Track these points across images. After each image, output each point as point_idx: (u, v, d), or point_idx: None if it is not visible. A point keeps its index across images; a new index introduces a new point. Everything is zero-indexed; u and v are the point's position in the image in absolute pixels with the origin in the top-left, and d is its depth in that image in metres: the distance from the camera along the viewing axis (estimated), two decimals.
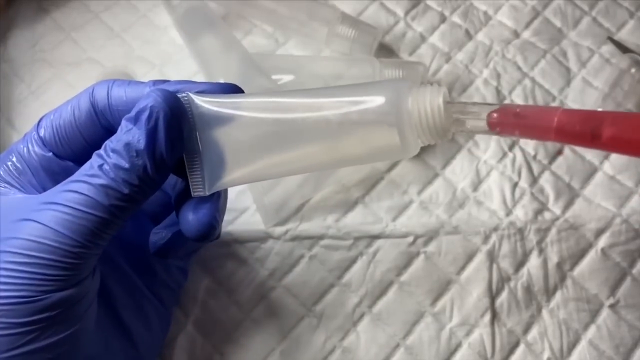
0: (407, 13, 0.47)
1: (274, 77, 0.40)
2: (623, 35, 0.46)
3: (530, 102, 0.43)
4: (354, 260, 0.38)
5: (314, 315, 0.36)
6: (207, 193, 0.26)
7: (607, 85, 0.42)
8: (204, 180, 0.26)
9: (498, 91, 0.44)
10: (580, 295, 0.37)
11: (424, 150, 0.41)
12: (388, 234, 0.38)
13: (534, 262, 0.38)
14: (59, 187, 0.24)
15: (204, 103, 0.26)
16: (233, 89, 0.27)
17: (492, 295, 0.37)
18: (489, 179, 0.40)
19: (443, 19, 0.47)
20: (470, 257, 0.38)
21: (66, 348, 0.24)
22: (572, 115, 0.22)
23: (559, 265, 0.38)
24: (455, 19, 0.47)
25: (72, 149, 0.27)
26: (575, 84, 0.44)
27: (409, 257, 0.38)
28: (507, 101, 0.43)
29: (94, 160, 0.24)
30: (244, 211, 0.39)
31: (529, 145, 0.42)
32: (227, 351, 0.35)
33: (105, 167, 0.24)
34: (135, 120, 0.24)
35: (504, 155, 0.41)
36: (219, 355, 0.35)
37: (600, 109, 0.41)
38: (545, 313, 0.37)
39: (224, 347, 0.35)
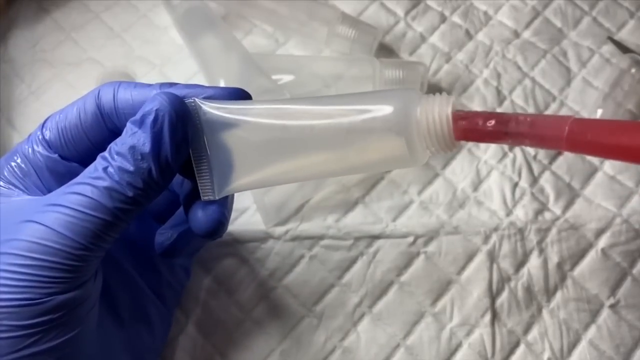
0: (407, 13, 0.47)
1: (274, 77, 0.40)
2: (623, 35, 0.46)
3: (531, 102, 0.43)
4: (354, 261, 0.38)
5: (314, 316, 0.36)
6: (217, 197, 0.26)
7: (607, 85, 0.42)
8: (213, 185, 0.26)
9: (498, 91, 0.44)
10: (580, 295, 0.37)
11: None
12: (388, 234, 0.39)
13: (534, 262, 0.38)
14: (63, 189, 0.24)
15: (212, 109, 0.26)
16: (241, 94, 0.27)
17: (493, 296, 0.37)
18: (489, 179, 0.40)
19: (443, 19, 0.47)
20: (470, 257, 0.38)
21: (68, 351, 0.24)
22: (583, 125, 0.22)
23: (559, 265, 0.38)
24: (456, 19, 0.47)
25: (77, 150, 0.27)
26: (575, 84, 0.44)
27: (409, 257, 0.38)
28: (507, 101, 0.43)
29: (99, 162, 0.24)
30: (244, 211, 0.39)
31: None
32: (227, 351, 0.35)
33: (110, 169, 0.24)
34: (141, 123, 0.24)
35: (504, 155, 0.41)
36: (219, 356, 0.35)
37: (600, 110, 0.41)
38: (545, 313, 0.37)
39: (224, 347, 0.36)
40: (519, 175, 0.40)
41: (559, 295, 0.37)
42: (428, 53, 0.45)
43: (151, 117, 0.24)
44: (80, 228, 0.23)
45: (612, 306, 0.37)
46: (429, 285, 0.37)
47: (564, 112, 0.43)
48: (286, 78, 0.41)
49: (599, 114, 0.41)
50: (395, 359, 0.35)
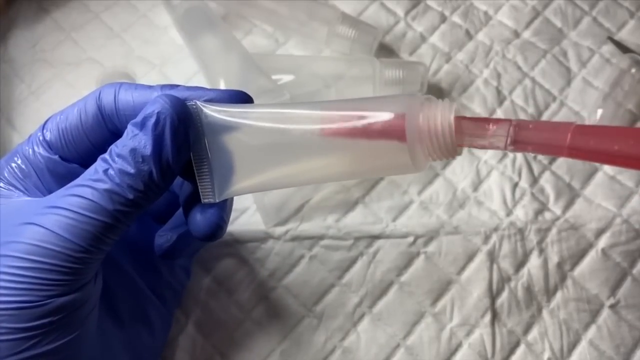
0: (407, 13, 0.47)
1: (274, 77, 0.40)
2: (623, 35, 0.46)
3: (531, 102, 0.43)
4: (354, 261, 0.38)
5: (314, 316, 0.36)
6: (217, 200, 0.26)
7: (607, 85, 0.42)
8: (214, 187, 0.26)
9: (498, 91, 0.44)
10: (580, 295, 0.37)
11: None
12: (388, 234, 0.39)
13: (534, 262, 0.38)
14: (63, 191, 0.24)
15: (213, 112, 0.26)
16: (243, 97, 0.27)
17: (493, 296, 0.37)
18: (489, 179, 0.40)
19: (443, 19, 0.47)
20: (470, 257, 0.38)
21: (68, 353, 0.24)
22: (585, 132, 0.22)
23: (560, 265, 0.38)
24: (456, 19, 0.47)
25: (78, 151, 0.27)
26: (575, 84, 0.44)
27: (409, 257, 0.38)
28: (507, 101, 0.43)
29: (99, 164, 0.24)
30: (244, 211, 0.39)
31: None
32: (227, 351, 0.35)
33: (111, 172, 0.24)
34: (142, 125, 0.24)
35: (505, 155, 0.41)
36: (219, 356, 0.35)
37: (600, 110, 0.41)
38: (545, 313, 0.37)
39: (224, 348, 0.36)
40: (519, 175, 0.40)
41: (559, 295, 0.37)
42: (428, 53, 0.45)
43: (153, 120, 0.24)
44: (80, 231, 0.23)
45: (612, 306, 0.37)
46: (429, 285, 0.37)
47: (564, 112, 0.43)
48: (286, 78, 0.41)
49: (599, 114, 0.41)
50: (395, 359, 0.36)
